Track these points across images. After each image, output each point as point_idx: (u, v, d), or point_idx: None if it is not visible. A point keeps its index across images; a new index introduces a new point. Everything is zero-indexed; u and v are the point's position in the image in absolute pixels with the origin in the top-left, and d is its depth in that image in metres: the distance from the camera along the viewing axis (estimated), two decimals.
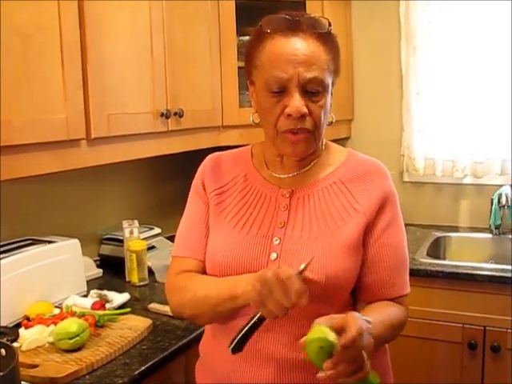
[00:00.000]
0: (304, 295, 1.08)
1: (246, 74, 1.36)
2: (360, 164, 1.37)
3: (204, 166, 1.46)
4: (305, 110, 1.23)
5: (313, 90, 1.24)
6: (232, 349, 1.17)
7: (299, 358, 1.24)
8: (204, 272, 1.38)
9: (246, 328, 1.16)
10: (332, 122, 1.36)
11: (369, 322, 1.15)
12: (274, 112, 1.26)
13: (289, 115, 1.23)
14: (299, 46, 1.23)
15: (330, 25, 1.28)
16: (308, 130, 1.26)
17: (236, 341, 1.16)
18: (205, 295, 1.29)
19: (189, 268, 1.38)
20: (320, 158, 1.38)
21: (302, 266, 1.11)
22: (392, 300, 1.32)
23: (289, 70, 1.22)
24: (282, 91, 1.24)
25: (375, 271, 1.31)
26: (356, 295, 1.34)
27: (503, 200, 2.74)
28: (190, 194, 1.47)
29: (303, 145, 1.28)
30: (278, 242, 1.29)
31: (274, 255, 1.28)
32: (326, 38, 1.27)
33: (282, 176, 1.37)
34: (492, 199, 2.79)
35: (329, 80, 1.27)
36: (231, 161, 1.45)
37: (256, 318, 1.15)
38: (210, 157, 1.48)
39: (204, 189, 1.42)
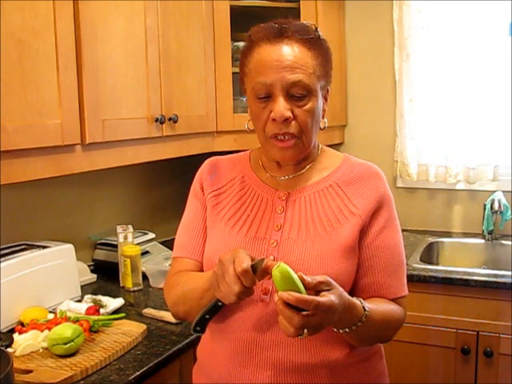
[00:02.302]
0: (244, 286, 1.10)
1: (240, 83, 1.38)
2: (356, 167, 1.39)
3: (202, 169, 1.48)
4: (288, 114, 1.24)
5: (298, 94, 1.25)
6: (192, 329, 1.20)
7: (296, 361, 1.26)
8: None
9: (204, 310, 1.19)
10: (325, 127, 1.37)
11: (364, 309, 1.19)
12: (261, 117, 1.28)
13: (273, 119, 1.25)
14: (284, 51, 1.25)
15: (316, 30, 1.30)
16: (294, 135, 1.27)
17: (194, 321, 1.19)
18: (190, 289, 1.31)
19: (186, 268, 1.40)
20: (316, 161, 1.39)
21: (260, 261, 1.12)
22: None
23: (272, 76, 1.24)
24: (267, 96, 1.26)
25: (371, 273, 1.32)
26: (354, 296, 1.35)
27: (496, 206, 2.75)
28: (189, 196, 1.48)
29: (291, 151, 1.30)
30: (275, 244, 1.30)
31: (271, 258, 1.29)
32: (313, 44, 1.28)
33: (278, 178, 1.38)
34: (485, 205, 2.81)
35: (316, 84, 1.27)
36: (229, 164, 1.47)
37: (213, 301, 1.18)
38: (208, 160, 1.50)
39: (202, 191, 1.44)
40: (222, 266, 1.14)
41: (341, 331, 1.21)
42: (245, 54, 1.32)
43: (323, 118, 1.35)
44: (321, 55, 1.30)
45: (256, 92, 1.27)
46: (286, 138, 1.27)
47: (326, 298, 1.07)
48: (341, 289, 1.13)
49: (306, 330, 1.06)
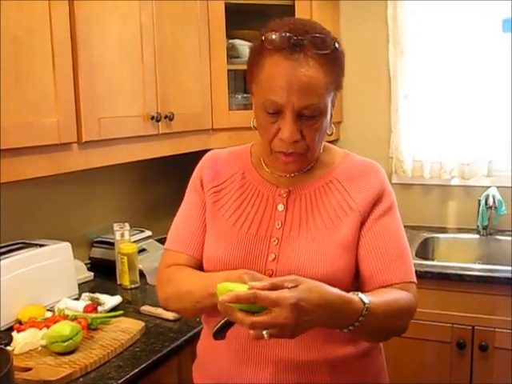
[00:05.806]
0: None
1: (248, 83, 1.34)
2: (356, 164, 1.39)
3: (203, 163, 1.46)
4: (297, 136, 1.23)
5: (308, 115, 1.22)
6: (213, 335, 1.17)
7: (297, 359, 1.26)
8: (195, 268, 1.38)
9: (222, 322, 1.15)
10: (332, 133, 1.36)
11: (364, 302, 1.13)
12: (269, 131, 1.26)
13: (281, 139, 1.24)
14: (298, 70, 1.19)
15: (334, 44, 1.24)
16: (300, 153, 1.27)
17: (215, 330, 1.16)
18: (186, 290, 1.30)
19: (180, 262, 1.38)
20: (318, 159, 1.38)
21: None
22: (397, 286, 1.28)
23: (283, 96, 1.20)
24: (277, 113, 1.23)
25: (372, 258, 1.29)
26: (361, 290, 1.26)
27: (490, 201, 2.77)
28: (188, 189, 1.46)
29: (295, 165, 1.30)
30: (276, 242, 1.30)
31: (272, 256, 1.29)
32: (328, 58, 1.22)
33: (279, 175, 1.38)
34: (479, 200, 2.83)
35: (327, 101, 1.25)
36: (230, 158, 1.45)
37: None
38: (208, 154, 1.48)
39: (202, 186, 1.42)
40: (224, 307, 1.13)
41: (345, 330, 1.15)
42: (255, 61, 1.26)
43: (330, 124, 1.33)
44: (334, 70, 1.25)
45: (265, 107, 1.24)
46: (291, 154, 1.26)
47: (275, 292, 1.03)
48: (315, 283, 1.09)
49: (265, 332, 1.04)
